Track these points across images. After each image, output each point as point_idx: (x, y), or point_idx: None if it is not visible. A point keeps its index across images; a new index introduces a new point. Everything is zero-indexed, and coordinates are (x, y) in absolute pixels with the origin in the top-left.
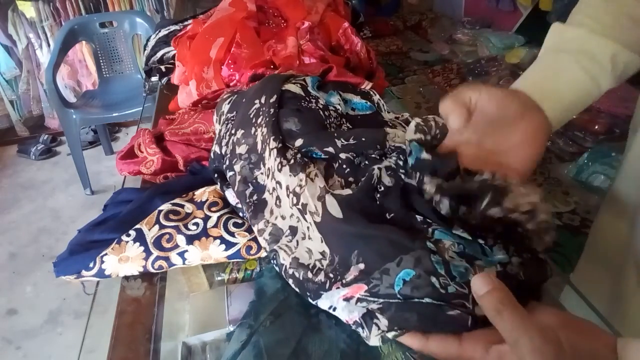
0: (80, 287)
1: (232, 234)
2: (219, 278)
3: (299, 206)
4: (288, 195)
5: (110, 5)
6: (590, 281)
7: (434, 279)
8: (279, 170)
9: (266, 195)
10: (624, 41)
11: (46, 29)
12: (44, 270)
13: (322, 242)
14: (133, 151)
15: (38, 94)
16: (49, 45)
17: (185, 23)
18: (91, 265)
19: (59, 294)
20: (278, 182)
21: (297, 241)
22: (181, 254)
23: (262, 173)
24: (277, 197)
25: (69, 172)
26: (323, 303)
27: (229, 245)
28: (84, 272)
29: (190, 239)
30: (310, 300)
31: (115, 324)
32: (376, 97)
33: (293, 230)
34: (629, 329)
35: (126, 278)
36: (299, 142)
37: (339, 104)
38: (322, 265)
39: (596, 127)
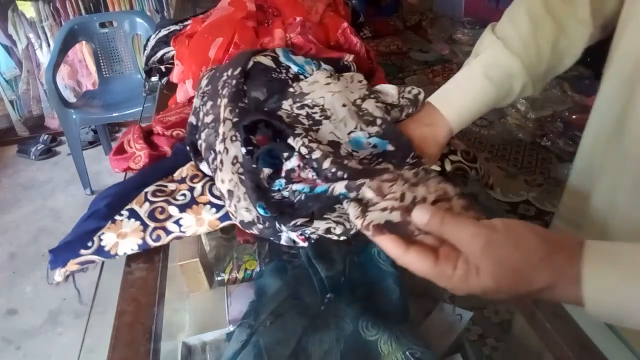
0: (81, 287)
1: (219, 198)
2: (219, 278)
3: (242, 175)
4: (234, 164)
5: (110, 5)
6: None
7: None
8: (232, 141)
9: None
10: (528, 66)
11: (46, 29)
12: (44, 270)
13: None
14: (124, 147)
15: (38, 94)
16: (49, 45)
17: (185, 23)
18: (89, 244)
19: (59, 294)
20: (226, 149)
21: (235, 205)
22: (177, 222)
23: (217, 140)
24: (221, 161)
25: (69, 172)
26: (284, 239)
27: (219, 208)
28: (82, 252)
29: (182, 208)
30: (276, 241)
31: (115, 324)
32: (353, 70)
33: (230, 194)
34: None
35: (126, 278)
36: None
37: (310, 74)
38: None
39: None
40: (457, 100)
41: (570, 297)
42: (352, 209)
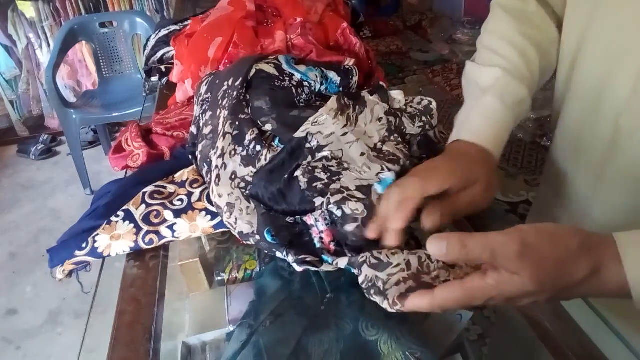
0: (80, 286)
1: None
2: (219, 278)
3: (245, 190)
4: (233, 180)
5: (110, 5)
6: None
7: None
8: (230, 156)
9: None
10: (529, 91)
11: (46, 29)
12: (44, 270)
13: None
14: (122, 146)
15: (38, 94)
16: (49, 45)
17: (185, 23)
18: (84, 245)
19: (59, 294)
20: (224, 164)
21: (235, 217)
22: (170, 227)
23: (214, 153)
24: (218, 176)
25: (69, 172)
26: (280, 255)
27: (214, 215)
28: (77, 253)
29: (178, 213)
30: (271, 254)
31: (115, 324)
32: (355, 78)
33: (230, 207)
34: None
35: (126, 278)
36: (268, 127)
37: (315, 80)
38: None
39: None
40: (495, 134)
41: (616, 280)
42: (377, 298)
